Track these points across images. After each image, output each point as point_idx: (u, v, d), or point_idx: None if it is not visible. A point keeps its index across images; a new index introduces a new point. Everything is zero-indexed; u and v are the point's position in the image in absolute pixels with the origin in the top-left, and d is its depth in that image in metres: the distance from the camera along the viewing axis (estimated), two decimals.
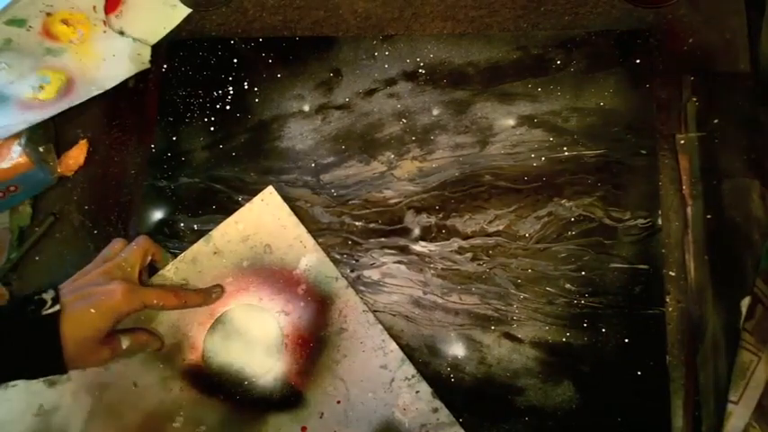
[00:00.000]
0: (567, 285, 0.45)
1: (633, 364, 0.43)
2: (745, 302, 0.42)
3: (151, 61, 0.54)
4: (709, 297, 0.43)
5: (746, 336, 0.41)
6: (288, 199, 0.49)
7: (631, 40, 0.48)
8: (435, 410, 0.44)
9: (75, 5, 0.53)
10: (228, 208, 0.49)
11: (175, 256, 0.48)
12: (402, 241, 0.47)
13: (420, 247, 0.47)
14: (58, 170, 0.52)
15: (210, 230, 0.49)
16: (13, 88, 0.51)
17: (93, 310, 0.40)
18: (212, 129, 0.52)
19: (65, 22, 0.53)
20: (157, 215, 0.50)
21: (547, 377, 0.44)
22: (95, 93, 0.52)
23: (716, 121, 0.46)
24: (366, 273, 0.47)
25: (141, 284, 0.44)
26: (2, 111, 0.50)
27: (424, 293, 0.46)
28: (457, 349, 0.45)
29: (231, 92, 0.52)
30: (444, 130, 0.49)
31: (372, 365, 0.45)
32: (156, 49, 0.54)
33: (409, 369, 0.44)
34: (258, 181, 0.50)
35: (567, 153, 0.47)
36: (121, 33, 0.54)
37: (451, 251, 0.47)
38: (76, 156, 0.52)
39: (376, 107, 0.50)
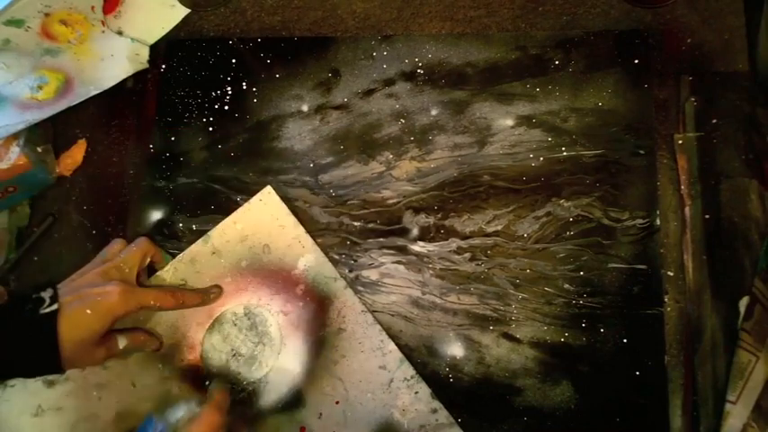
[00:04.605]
0: (566, 285, 0.45)
1: (631, 364, 0.43)
2: (744, 302, 0.42)
3: (149, 61, 0.54)
4: (707, 297, 0.43)
5: (745, 336, 0.41)
6: (286, 199, 0.49)
7: (630, 40, 0.48)
8: (434, 411, 0.44)
9: (74, 6, 0.53)
10: (227, 208, 0.49)
11: (174, 256, 0.48)
12: (400, 241, 0.47)
13: (419, 247, 0.47)
14: (57, 170, 0.52)
15: (209, 231, 0.49)
16: (11, 89, 0.51)
17: (89, 311, 0.40)
18: (211, 129, 0.52)
19: (63, 22, 0.52)
20: (156, 215, 0.50)
21: (545, 377, 0.44)
22: (94, 93, 0.52)
23: (714, 121, 0.46)
24: (365, 273, 0.47)
25: (139, 285, 0.44)
26: (0, 111, 0.50)
27: (423, 294, 0.46)
28: (455, 349, 0.45)
29: (230, 92, 0.52)
30: (443, 131, 0.49)
31: (371, 366, 0.45)
32: (155, 49, 0.54)
33: (408, 370, 0.44)
34: (257, 181, 0.50)
35: (565, 153, 0.47)
36: (120, 33, 0.54)
37: (450, 251, 0.47)
38: (75, 156, 0.52)
39: (374, 107, 0.50)
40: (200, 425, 0.38)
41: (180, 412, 0.41)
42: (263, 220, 0.48)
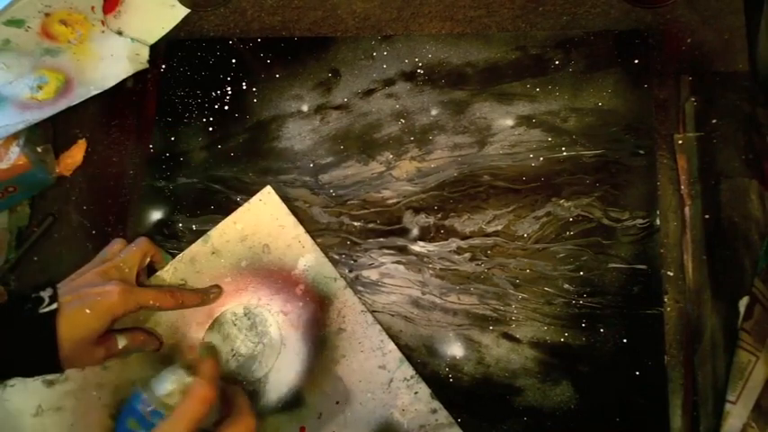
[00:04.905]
0: (566, 285, 0.45)
1: (631, 365, 0.43)
2: (744, 302, 0.42)
3: (149, 61, 0.54)
4: (707, 297, 0.43)
5: (744, 336, 0.41)
6: (286, 199, 0.49)
7: (630, 40, 0.48)
8: (434, 411, 0.43)
9: (74, 6, 0.53)
10: (227, 208, 0.49)
11: (174, 256, 0.48)
12: (400, 241, 0.47)
13: (418, 247, 0.47)
14: (57, 170, 0.52)
15: (209, 231, 0.49)
16: (11, 89, 0.51)
17: (88, 311, 0.40)
18: (211, 129, 0.52)
19: (63, 22, 0.52)
20: (156, 215, 0.50)
21: (545, 377, 0.44)
22: (94, 93, 0.52)
23: (714, 121, 0.46)
24: (365, 273, 0.47)
25: (139, 285, 0.44)
26: (0, 111, 0.50)
27: (423, 294, 0.46)
28: (455, 349, 0.45)
29: (229, 92, 0.52)
30: (443, 131, 0.49)
31: (371, 366, 0.45)
32: (155, 49, 0.54)
33: (408, 370, 0.44)
34: (257, 181, 0.50)
35: (565, 153, 0.47)
36: (120, 33, 0.54)
37: (450, 251, 0.47)
38: (75, 156, 0.52)
39: (374, 107, 0.50)
40: (192, 401, 0.36)
41: (167, 383, 0.39)
42: (263, 220, 0.48)
